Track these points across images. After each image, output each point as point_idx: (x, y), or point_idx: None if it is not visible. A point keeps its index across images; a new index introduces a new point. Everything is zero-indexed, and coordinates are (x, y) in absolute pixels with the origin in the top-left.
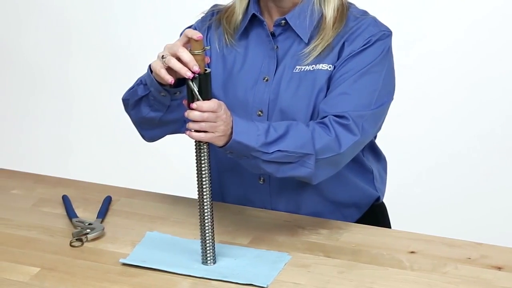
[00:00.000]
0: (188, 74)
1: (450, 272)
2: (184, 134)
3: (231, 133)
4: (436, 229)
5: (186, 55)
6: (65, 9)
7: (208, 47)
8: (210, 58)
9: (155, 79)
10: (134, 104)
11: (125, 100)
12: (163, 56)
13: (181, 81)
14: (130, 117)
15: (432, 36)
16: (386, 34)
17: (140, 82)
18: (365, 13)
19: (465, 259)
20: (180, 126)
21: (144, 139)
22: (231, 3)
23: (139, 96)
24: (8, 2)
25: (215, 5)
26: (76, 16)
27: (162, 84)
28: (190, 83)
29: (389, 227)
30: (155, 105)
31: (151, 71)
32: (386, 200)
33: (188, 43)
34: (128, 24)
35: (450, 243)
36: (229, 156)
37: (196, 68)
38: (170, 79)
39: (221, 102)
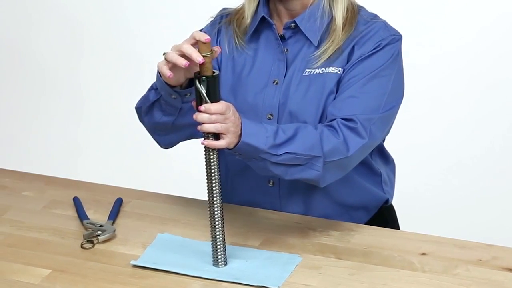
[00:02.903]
0: (184, 63)
1: (461, 274)
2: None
3: (240, 134)
4: (447, 231)
5: (188, 48)
6: (76, 11)
7: (215, 49)
8: (220, 61)
9: (165, 82)
10: (147, 110)
11: (138, 109)
12: (164, 53)
13: (191, 82)
14: (144, 125)
15: (443, 38)
16: (396, 38)
17: (152, 87)
18: (375, 16)
19: (476, 260)
20: (194, 131)
21: (160, 146)
22: (240, 6)
23: (151, 101)
24: (20, 3)
25: (224, 9)
26: (87, 18)
27: (172, 86)
28: (198, 85)
29: (398, 229)
30: (167, 109)
31: (160, 75)
32: (395, 202)
33: (196, 44)
34: (139, 26)
35: (461, 244)
36: (237, 158)
37: (200, 59)
38: (168, 73)
39: (230, 104)
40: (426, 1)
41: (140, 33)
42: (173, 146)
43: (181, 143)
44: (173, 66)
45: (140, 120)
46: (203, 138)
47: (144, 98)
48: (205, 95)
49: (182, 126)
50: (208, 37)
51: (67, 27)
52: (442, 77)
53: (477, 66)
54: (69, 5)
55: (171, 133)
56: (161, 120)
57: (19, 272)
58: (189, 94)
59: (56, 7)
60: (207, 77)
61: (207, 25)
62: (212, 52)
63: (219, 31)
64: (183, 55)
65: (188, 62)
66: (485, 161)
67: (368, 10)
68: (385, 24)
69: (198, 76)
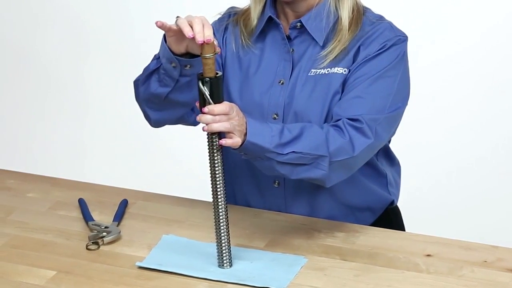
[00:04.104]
0: (189, 34)
1: (467, 275)
2: (198, 137)
3: (245, 134)
4: (452, 233)
5: (198, 25)
6: (81, 12)
7: (218, 51)
8: (224, 57)
9: (168, 48)
10: (145, 80)
11: (136, 81)
12: (178, 16)
13: (193, 55)
14: (139, 98)
15: (448, 39)
16: (401, 39)
17: (154, 57)
18: (381, 17)
19: (481, 262)
20: (187, 112)
21: (150, 122)
22: (247, 6)
23: (151, 70)
24: (25, 3)
25: (232, 7)
26: (92, 19)
27: (174, 54)
28: (202, 86)
29: (404, 231)
30: (164, 80)
31: (165, 41)
32: (401, 204)
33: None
34: (144, 27)
35: (466, 246)
36: (243, 157)
37: (200, 39)
38: (158, 24)
39: (233, 104)
40: (431, 2)
41: (145, 33)
42: (162, 125)
43: (188, 143)
44: (178, 33)
45: (136, 94)
46: (207, 134)
47: (145, 68)
48: (208, 97)
49: (175, 103)
50: (210, 38)
51: (72, 28)
52: (447, 78)
53: (482, 67)
54: (74, 6)
55: (163, 109)
56: (156, 91)
57: (24, 273)
58: (189, 66)
59: (61, 8)
60: (210, 78)
61: (215, 21)
62: (215, 53)
63: (226, 28)
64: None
65: (193, 35)
66: (491, 163)
67: (374, 12)
68: (390, 25)
69: (201, 77)
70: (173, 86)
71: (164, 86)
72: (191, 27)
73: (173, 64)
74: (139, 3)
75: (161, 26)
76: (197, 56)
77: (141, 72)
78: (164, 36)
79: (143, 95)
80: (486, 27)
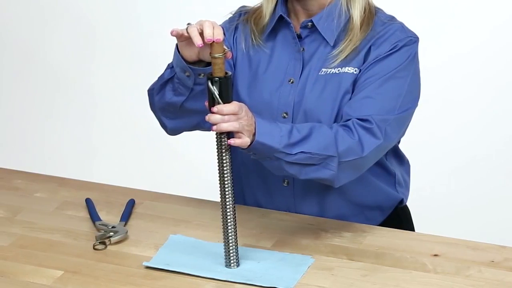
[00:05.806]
0: (198, 43)
1: (474, 275)
2: (206, 137)
3: (254, 134)
4: (459, 232)
5: (208, 28)
6: (89, 12)
7: (228, 50)
8: (236, 58)
9: (181, 57)
10: (159, 89)
11: (150, 90)
12: (189, 23)
13: (208, 63)
14: (154, 107)
15: (457, 39)
16: (412, 40)
17: (167, 67)
18: (392, 18)
19: (489, 262)
20: (201, 120)
21: (166, 130)
22: (258, 4)
23: (165, 79)
24: (33, 3)
25: (243, 6)
26: (100, 19)
27: (187, 63)
28: (211, 86)
29: (413, 230)
30: (179, 89)
31: (179, 51)
32: (409, 203)
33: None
34: (153, 27)
35: (473, 246)
36: (252, 157)
37: (209, 38)
38: (173, 34)
39: (242, 104)
40: (438, 3)
41: (153, 33)
42: (178, 133)
43: (195, 144)
44: (189, 38)
45: (151, 103)
46: (215, 134)
47: (159, 78)
48: (218, 96)
49: (190, 111)
50: (219, 37)
51: (80, 28)
52: (457, 77)
53: (491, 66)
54: (81, 6)
55: (178, 117)
56: (171, 100)
57: (31, 273)
58: (202, 74)
59: (68, 8)
60: (219, 78)
61: (225, 21)
62: (225, 53)
63: (236, 28)
64: (201, 34)
65: (202, 44)
66: (499, 162)
67: (386, 12)
68: (402, 26)
69: (211, 77)
70: (187, 94)
71: (179, 95)
72: (202, 30)
73: (187, 73)
74: (148, 3)
75: (176, 35)
76: (210, 64)
77: (155, 80)
78: (177, 45)
79: (158, 104)
80: (494, 26)
